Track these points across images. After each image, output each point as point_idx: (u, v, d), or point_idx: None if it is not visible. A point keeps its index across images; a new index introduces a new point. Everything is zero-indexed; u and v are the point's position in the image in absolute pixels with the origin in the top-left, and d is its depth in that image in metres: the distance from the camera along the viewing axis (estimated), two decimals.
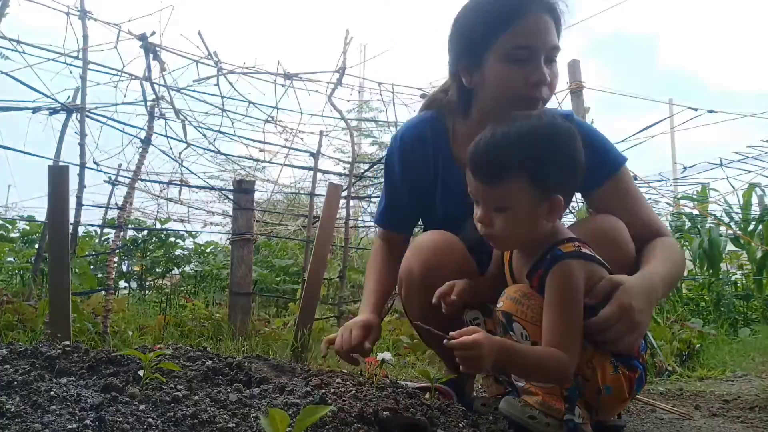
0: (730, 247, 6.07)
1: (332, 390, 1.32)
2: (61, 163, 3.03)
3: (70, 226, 2.29)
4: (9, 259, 4.23)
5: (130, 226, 5.03)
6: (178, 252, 5.30)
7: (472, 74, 1.52)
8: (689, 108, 4.36)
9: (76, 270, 2.62)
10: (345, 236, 3.50)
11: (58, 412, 0.97)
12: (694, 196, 6.19)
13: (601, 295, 1.23)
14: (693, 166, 5.83)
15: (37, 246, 3.95)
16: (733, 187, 5.83)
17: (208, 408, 1.08)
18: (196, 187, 4.59)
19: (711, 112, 4.42)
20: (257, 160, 4.87)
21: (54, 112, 3.20)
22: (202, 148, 4.10)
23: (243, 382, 1.40)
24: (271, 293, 4.84)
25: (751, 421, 1.80)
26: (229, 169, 5.89)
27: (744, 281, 5.99)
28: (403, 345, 3.14)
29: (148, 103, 3.01)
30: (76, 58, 2.95)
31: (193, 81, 3.52)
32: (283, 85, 3.75)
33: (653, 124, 4.23)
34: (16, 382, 1.08)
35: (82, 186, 2.66)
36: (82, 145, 2.72)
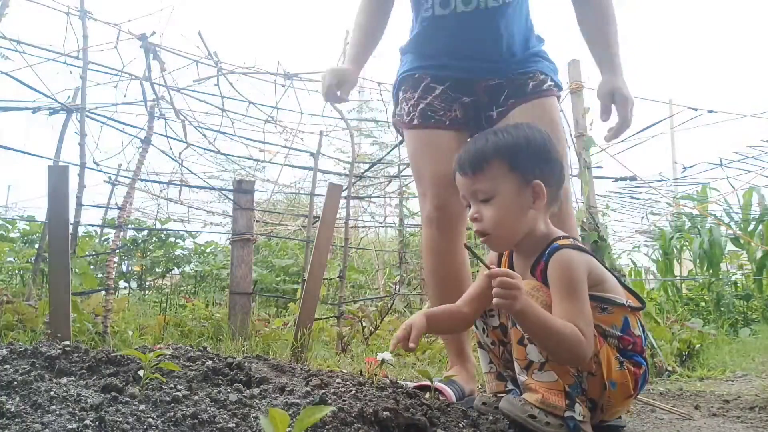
0: (730, 247, 6.08)
1: (332, 390, 1.32)
2: (61, 163, 3.03)
3: (70, 226, 2.29)
4: (9, 259, 4.23)
5: (130, 226, 5.03)
6: (178, 252, 5.30)
7: None
8: (689, 108, 4.36)
9: (76, 270, 2.62)
10: (345, 236, 3.50)
11: (58, 412, 0.97)
12: (694, 196, 6.20)
13: None
14: (693, 166, 5.83)
15: (37, 246, 3.95)
16: (733, 187, 5.83)
17: (208, 408, 1.08)
18: (196, 187, 4.59)
19: (711, 112, 4.42)
20: (257, 160, 4.87)
21: (54, 112, 3.20)
22: (202, 148, 4.11)
23: (243, 382, 1.40)
24: (271, 293, 4.84)
25: (751, 421, 1.80)
26: (229, 169, 5.89)
27: (744, 281, 6.00)
28: None
29: (148, 103, 3.02)
30: (76, 58, 2.95)
31: (193, 81, 3.52)
32: (283, 85, 3.76)
33: (653, 124, 4.23)
34: (16, 382, 1.08)
35: (82, 186, 2.66)
36: (82, 145, 2.72)
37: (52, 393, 1.05)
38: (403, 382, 1.60)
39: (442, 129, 1.85)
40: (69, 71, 3.06)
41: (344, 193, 3.30)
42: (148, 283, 5.44)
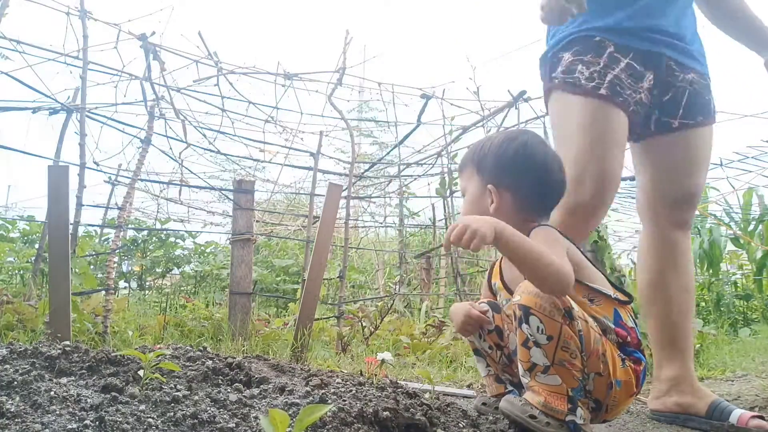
0: (730, 247, 6.08)
1: (332, 390, 1.32)
2: (61, 163, 3.03)
3: (70, 226, 2.29)
4: (9, 259, 4.23)
5: (130, 226, 5.03)
6: (178, 252, 5.30)
7: None
8: None
9: (76, 270, 2.62)
10: (345, 236, 3.50)
11: (58, 412, 0.97)
12: None
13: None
14: None
15: (37, 246, 3.95)
16: (733, 187, 5.83)
17: (208, 408, 1.08)
18: (196, 187, 4.59)
19: None
20: (257, 160, 4.88)
21: (54, 112, 3.21)
22: (202, 148, 4.11)
23: (243, 382, 1.40)
24: (271, 293, 4.84)
25: None
26: (229, 169, 5.90)
27: (744, 281, 6.00)
28: (403, 345, 3.15)
29: (148, 103, 3.02)
30: (76, 58, 2.95)
31: (193, 81, 3.52)
32: (283, 85, 3.76)
33: None
34: (16, 382, 1.08)
35: (82, 186, 2.66)
36: (82, 145, 2.72)
37: (52, 393, 1.05)
38: (403, 382, 1.60)
39: (623, 112, 1.62)
40: (69, 71, 3.07)
41: (344, 193, 3.31)
42: (148, 283, 5.44)
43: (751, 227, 5.95)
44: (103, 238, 4.84)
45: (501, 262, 1.52)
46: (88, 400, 1.05)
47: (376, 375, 1.50)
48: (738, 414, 1.60)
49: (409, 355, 2.99)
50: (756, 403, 2.04)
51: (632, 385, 1.29)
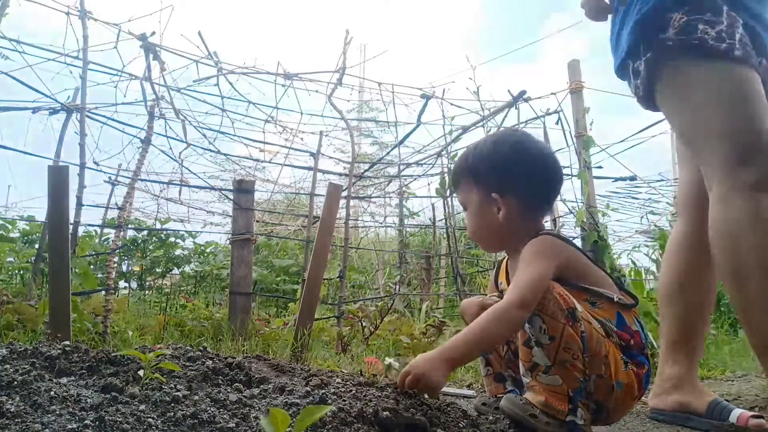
0: None
1: (332, 390, 1.32)
2: (61, 163, 3.03)
3: (70, 226, 2.29)
4: (9, 259, 4.23)
5: (130, 226, 5.03)
6: (178, 252, 5.30)
7: None
8: None
9: (76, 270, 2.62)
10: (345, 236, 3.50)
11: (58, 412, 0.97)
12: None
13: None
14: None
15: (37, 246, 3.95)
16: None
17: (208, 408, 1.08)
18: (196, 187, 4.59)
19: None
20: (257, 160, 4.87)
21: (54, 112, 3.21)
22: (202, 148, 4.11)
23: (243, 382, 1.40)
24: (271, 293, 4.84)
25: None
26: (229, 169, 5.89)
27: None
28: (403, 345, 3.15)
29: (148, 103, 3.02)
30: (76, 58, 2.95)
31: (193, 81, 3.52)
32: (283, 85, 3.76)
33: (653, 124, 4.22)
34: (16, 382, 1.08)
35: (82, 186, 2.66)
36: (82, 145, 2.72)
37: (52, 393, 1.05)
38: None
39: (757, 74, 1.38)
40: (69, 71, 3.06)
41: (344, 193, 3.30)
42: (148, 283, 5.44)
43: None
44: (103, 238, 4.84)
45: (507, 261, 1.52)
46: (88, 400, 1.05)
47: (375, 375, 1.50)
48: (737, 413, 1.60)
49: (409, 355, 2.99)
50: (756, 403, 2.04)
51: (634, 388, 1.29)
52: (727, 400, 2.14)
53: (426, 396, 1.23)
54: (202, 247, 5.65)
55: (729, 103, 1.36)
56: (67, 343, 1.50)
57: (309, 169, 3.96)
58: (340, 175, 4.62)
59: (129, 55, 3.12)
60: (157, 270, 5.26)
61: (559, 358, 1.22)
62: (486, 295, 1.60)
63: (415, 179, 5.52)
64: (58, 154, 3.30)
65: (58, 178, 2.21)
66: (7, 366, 1.21)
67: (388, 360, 1.51)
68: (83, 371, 1.31)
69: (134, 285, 5.35)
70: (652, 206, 6.62)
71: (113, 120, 3.13)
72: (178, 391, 1.16)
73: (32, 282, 3.34)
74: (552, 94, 3.68)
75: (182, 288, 5.27)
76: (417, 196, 5.63)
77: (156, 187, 5.47)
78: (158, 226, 5.73)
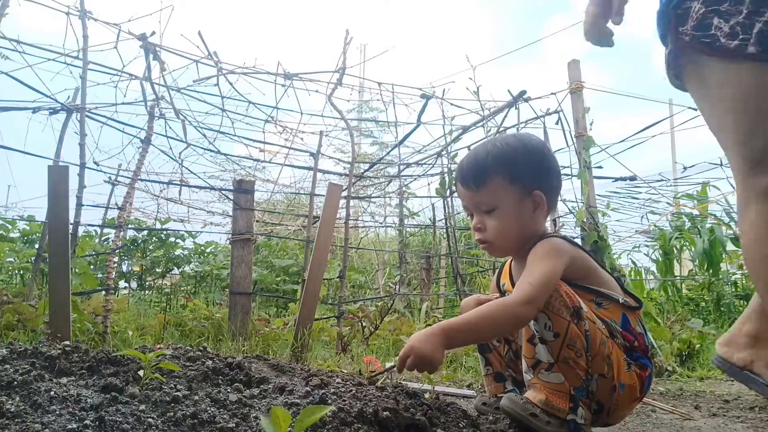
0: (730, 246, 6.07)
1: (332, 390, 1.32)
2: (61, 163, 3.03)
3: (70, 226, 2.29)
4: (9, 259, 4.23)
5: (130, 226, 5.03)
6: (178, 252, 5.30)
7: None
8: (689, 108, 4.35)
9: (76, 270, 2.62)
10: (345, 236, 3.50)
11: (58, 412, 0.97)
12: (695, 196, 6.19)
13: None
14: (693, 166, 5.82)
15: (37, 246, 3.95)
16: (733, 187, 5.81)
17: (208, 408, 1.08)
18: (196, 187, 4.59)
19: None
20: (257, 160, 4.87)
21: (54, 112, 3.21)
22: (202, 148, 4.10)
23: (243, 382, 1.40)
24: (271, 293, 4.84)
25: (751, 421, 1.80)
26: (229, 169, 5.89)
27: (744, 281, 5.99)
28: (403, 345, 3.14)
29: (148, 103, 3.02)
30: (76, 58, 2.95)
31: (193, 81, 3.52)
32: (283, 85, 3.76)
33: (653, 124, 4.22)
34: (16, 382, 1.08)
35: (82, 186, 2.66)
36: (82, 145, 2.72)
37: (52, 393, 1.05)
38: (403, 382, 1.60)
39: None
40: (69, 71, 3.06)
41: (344, 193, 3.30)
42: (148, 283, 5.44)
43: None
44: (103, 238, 4.84)
45: (511, 263, 1.51)
46: (88, 400, 1.05)
47: (373, 372, 1.50)
48: None
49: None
50: (756, 403, 2.04)
51: (636, 390, 1.29)
52: (727, 400, 2.14)
53: (426, 373, 1.21)
54: (202, 247, 5.65)
55: (739, 108, 1.27)
56: (67, 343, 1.50)
57: (309, 169, 3.96)
58: (340, 175, 4.61)
59: (129, 55, 3.12)
60: (157, 270, 5.26)
61: (563, 356, 1.22)
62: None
63: (415, 179, 5.52)
64: (58, 154, 3.30)
65: (58, 178, 2.21)
66: (7, 366, 1.21)
67: (388, 364, 1.51)
68: (83, 371, 1.31)
69: (134, 285, 5.35)
70: (652, 206, 6.62)
71: (113, 120, 3.13)
72: (178, 391, 1.16)
73: (32, 282, 3.34)
74: (552, 94, 3.68)
75: (182, 288, 5.26)
76: (417, 196, 5.63)
77: (156, 187, 5.48)
78: (158, 226, 5.73)
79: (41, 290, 3.31)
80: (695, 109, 4.55)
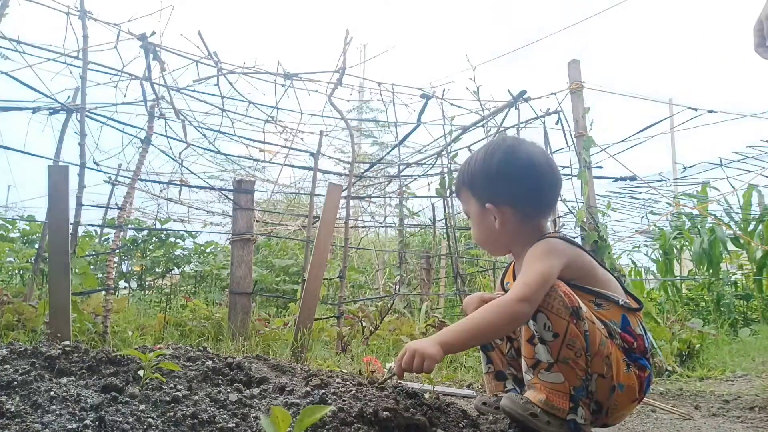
0: (730, 246, 6.08)
1: (332, 390, 1.32)
2: (61, 163, 3.03)
3: (70, 226, 2.29)
4: (9, 259, 4.23)
5: (130, 226, 5.03)
6: (178, 252, 5.30)
7: None
8: (689, 108, 4.36)
9: (76, 270, 2.62)
10: (345, 236, 3.50)
11: (58, 412, 0.97)
12: (695, 196, 6.20)
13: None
14: (693, 166, 5.83)
15: (37, 246, 3.95)
16: (733, 187, 5.82)
17: (208, 408, 1.08)
18: (196, 187, 4.59)
19: (711, 112, 4.41)
20: (257, 160, 4.87)
21: (54, 112, 3.21)
22: (202, 148, 4.10)
23: (243, 382, 1.40)
24: (271, 293, 4.84)
25: (751, 421, 1.80)
26: (229, 169, 5.89)
27: (744, 281, 6.00)
28: (403, 345, 3.15)
29: (148, 103, 3.02)
30: (76, 58, 2.95)
31: (193, 81, 3.52)
32: (283, 85, 3.76)
33: (653, 124, 4.22)
34: (16, 382, 1.08)
35: (82, 186, 2.66)
36: (82, 145, 2.72)
37: (52, 393, 1.05)
38: (402, 383, 1.60)
39: None
40: (69, 71, 3.06)
41: (344, 193, 3.30)
42: (148, 283, 5.44)
43: (751, 227, 5.95)
44: (103, 238, 4.84)
45: (515, 264, 1.52)
46: (88, 400, 1.05)
47: (373, 372, 1.50)
48: None
49: None
50: (756, 403, 2.04)
51: (635, 390, 1.29)
52: (727, 400, 2.15)
53: (424, 371, 1.22)
54: (202, 247, 5.65)
55: None
56: (67, 343, 1.50)
57: (309, 169, 3.96)
58: (340, 175, 4.61)
59: (129, 55, 3.12)
60: (157, 270, 5.26)
61: (562, 356, 1.22)
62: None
63: (415, 179, 5.52)
64: (58, 154, 3.29)
65: (58, 178, 2.21)
66: (7, 366, 1.21)
67: (390, 365, 1.51)
68: (83, 371, 1.31)
69: (134, 285, 5.35)
70: (652, 206, 6.62)
71: (113, 120, 3.14)
72: (178, 391, 1.16)
73: (32, 282, 3.34)
74: (552, 94, 3.68)
75: (182, 288, 5.26)
76: (417, 196, 5.63)
77: (156, 187, 5.48)
78: (158, 226, 5.73)
79: (41, 290, 3.31)
80: (695, 109, 4.57)
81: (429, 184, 5.33)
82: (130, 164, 3.84)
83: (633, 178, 4.23)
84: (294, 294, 4.41)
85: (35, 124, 3.24)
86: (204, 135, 3.84)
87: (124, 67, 3.13)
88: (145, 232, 5.22)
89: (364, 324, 3.22)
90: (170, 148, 3.45)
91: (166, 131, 3.36)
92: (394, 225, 6.54)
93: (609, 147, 3.94)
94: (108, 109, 3.27)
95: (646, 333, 1.37)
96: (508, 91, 3.86)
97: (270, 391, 1.29)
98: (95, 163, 3.32)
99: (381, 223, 7.12)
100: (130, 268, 5.26)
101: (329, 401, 1.17)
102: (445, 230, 4.73)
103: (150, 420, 0.98)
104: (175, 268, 5.31)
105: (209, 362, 1.47)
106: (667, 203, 6.44)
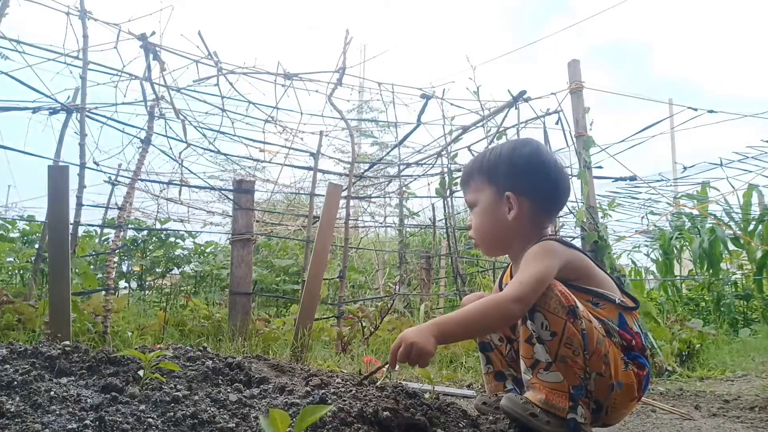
0: (730, 246, 6.08)
1: (332, 390, 1.32)
2: (61, 163, 3.03)
3: (70, 226, 2.29)
4: (9, 259, 4.23)
5: (130, 226, 5.03)
6: (178, 252, 5.29)
7: None
8: (689, 108, 4.35)
9: (76, 270, 2.62)
10: (345, 236, 3.50)
11: (58, 412, 0.97)
12: (695, 196, 6.20)
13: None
14: (693, 166, 5.83)
15: (37, 246, 3.95)
16: (733, 187, 5.82)
17: (208, 408, 1.08)
18: (196, 187, 4.59)
19: (711, 112, 4.41)
20: (257, 160, 4.87)
21: (54, 112, 3.21)
22: (202, 148, 4.10)
23: (243, 382, 1.40)
24: (271, 293, 4.84)
25: (751, 421, 1.80)
26: (229, 169, 5.89)
27: (744, 281, 5.99)
28: None
29: (148, 103, 3.02)
30: (76, 58, 2.95)
31: (193, 81, 3.52)
32: (283, 85, 3.76)
33: (653, 124, 4.22)
34: (16, 382, 1.08)
35: (82, 186, 2.66)
36: (82, 145, 2.72)
37: (52, 393, 1.05)
38: (403, 382, 1.60)
39: None
40: (69, 71, 3.06)
41: (344, 193, 3.30)
42: (148, 283, 5.43)
43: (751, 227, 5.95)
44: (103, 238, 4.84)
45: (512, 266, 1.52)
46: (88, 400, 1.05)
47: (373, 372, 1.50)
48: None
49: None
50: (756, 403, 2.04)
51: (634, 389, 1.29)
52: (727, 400, 2.14)
53: (419, 366, 1.23)
54: (202, 247, 5.64)
55: None
56: (67, 343, 1.50)
57: (309, 169, 3.96)
58: (340, 175, 4.61)
59: (129, 55, 3.13)
60: (157, 270, 5.25)
61: (560, 355, 1.23)
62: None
63: (415, 179, 5.52)
64: (58, 154, 3.30)
65: (58, 178, 2.21)
66: (7, 366, 1.21)
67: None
68: (83, 371, 1.31)
69: (134, 285, 5.35)
70: (652, 206, 6.62)
71: (113, 120, 3.14)
72: (178, 391, 1.16)
73: (32, 282, 3.34)
74: (552, 94, 3.68)
75: (182, 288, 5.26)
76: (417, 196, 5.63)
77: (156, 187, 5.48)
78: (158, 226, 5.73)
79: (41, 290, 3.31)
80: (695, 109, 4.56)
81: (429, 184, 5.33)
82: (130, 164, 3.85)
83: (633, 178, 4.23)
84: (294, 294, 4.41)
85: (35, 124, 3.24)
86: (204, 135, 3.84)
87: (124, 67, 3.13)
88: (145, 232, 5.22)
89: (364, 324, 3.21)
90: (170, 148, 3.45)
91: (166, 131, 3.37)
92: (394, 225, 6.54)
93: (609, 147, 3.94)
94: (108, 109, 3.27)
95: (642, 331, 1.37)
96: (508, 91, 3.86)
97: (270, 391, 1.29)
98: (95, 163, 3.32)
99: (381, 223, 7.12)
100: (130, 268, 5.25)
101: (329, 401, 1.17)
102: (445, 230, 4.73)
103: (150, 420, 0.98)
104: (175, 268, 5.30)
105: (209, 362, 1.47)
106: (667, 203, 6.44)
